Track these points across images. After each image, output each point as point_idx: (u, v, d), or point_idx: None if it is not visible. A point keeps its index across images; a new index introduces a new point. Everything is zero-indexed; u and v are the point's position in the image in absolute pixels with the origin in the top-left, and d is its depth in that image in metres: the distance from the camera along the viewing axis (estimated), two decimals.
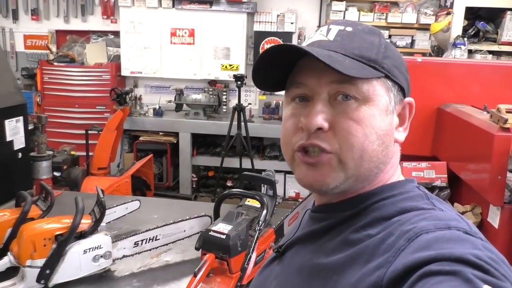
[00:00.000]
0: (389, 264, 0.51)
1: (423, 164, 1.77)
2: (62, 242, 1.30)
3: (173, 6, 4.84)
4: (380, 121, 0.61)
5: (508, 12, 4.06)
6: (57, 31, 5.31)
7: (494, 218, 1.41)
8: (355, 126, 0.59)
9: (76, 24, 5.27)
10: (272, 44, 0.64)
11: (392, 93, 0.63)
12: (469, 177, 1.61)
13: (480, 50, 4.23)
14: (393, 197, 0.62)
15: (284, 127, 0.67)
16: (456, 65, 2.09)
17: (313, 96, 0.62)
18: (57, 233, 1.31)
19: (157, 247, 1.54)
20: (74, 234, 1.31)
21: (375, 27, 0.68)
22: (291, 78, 0.66)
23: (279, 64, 0.64)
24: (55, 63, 4.93)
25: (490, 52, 4.23)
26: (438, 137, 1.94)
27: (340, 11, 4.58)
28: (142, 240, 1.48)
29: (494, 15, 4.23)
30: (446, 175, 1.76)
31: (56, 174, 3.49)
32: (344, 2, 4.57)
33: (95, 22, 5.25)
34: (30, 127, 2.88)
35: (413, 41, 4.62)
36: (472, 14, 4.23)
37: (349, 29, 0.64)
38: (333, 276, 0.58)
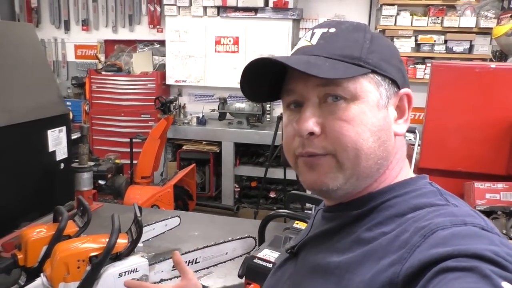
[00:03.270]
0: (404, 261, 0.51)
1: (500, 185, 1.54)
2: (97, 264, 1.20)
3: (218, 14, 4.81)
4: (371, 117, 0.61)
5: None
6: (106, 41, 5.43)
7: None
8: (346, 125, 0.60)
9: (123, 33, 5.37)
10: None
11: (382, 88, 0.63)
12: None
13: None
14: (406, 194, 0.62)
15: (284, 134, 0.68)
16: None
17: (304, 101, 0.63)
18: (91, 254, 1.22)
19: (197, 271, 1.42)
20: (109, 256, 1.22)
21: (361, 23, 0.67)
22: (283, 86, 0.66)
23: (268, 75, 0.65)
24: (103, 72, 5.03)
25: None
26: None
27: (391, 16, 4.35)
28: None
29: None
30: None
31: (101, 182, 3.50)
32: (396, 6, 4.34)
33: (142, 31, 5.33)
34: (75, 136, 2.89)
35: (471, 46, 4.31)
36: None
37: (332, 30, 0.64)
38: (346, 274, 0.58)
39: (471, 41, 4.28)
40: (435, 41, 4.32)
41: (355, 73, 0.60)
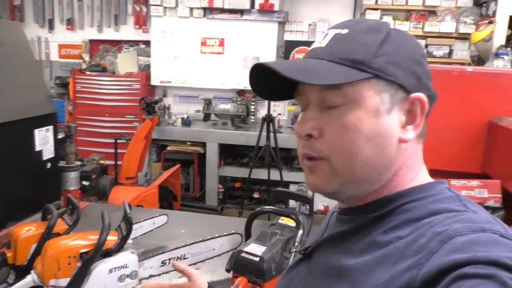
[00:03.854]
0: (421, 266, 0.50)
1: (474, 182, 1.62)
2: (87, 260, 1.22)
3: (204, 15, 4.83)
4: (368, 124, 0.60)
5: None
6: (91, 41, 5.39)
7: None
8: (342, 131, 0.60)
9: (109, 33, 5.34)
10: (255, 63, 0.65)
11: (386, 93, 0.60)
12: None
13: None
14: (424, 199, 0.61)
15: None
16: (509, 75, 1.93)
17: (308, 105, 0.64)
18: (82, 250, 1.24)
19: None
20: (99, 252, 1.24)
21: (381, 23, 0.65)
22: (297, 88, 0.67)
23: (276, 77, 0.63)
24: (87, 72, 4.99)
25: None
26: (490, 153, 1.79)
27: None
28: (169, 259, 1.39)
29: None
30: (500, 195, 1.60)
31: (85, 183, 3.48)
32: (379, 11, 4.44)
33: (128, 31, 5.31)
34: (61, 136, 2.88)
35: (451, 51, 4.43)
36: None
37: (344, 31, 0.63)
38: (361, 277, 0.57)
39: (450, 46, 4.41)
40: None
41: (353, 78, 0.59)
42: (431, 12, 4.43)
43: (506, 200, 1.64)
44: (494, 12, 3.91)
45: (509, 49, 3.83)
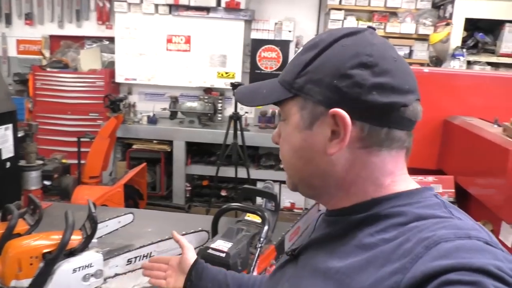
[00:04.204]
0: (406, 271, 0.51)
1: (430, 178, 1.71)
2: (50, 260, 1.21)
3: (170, 12, 4.78)
4: (293, 138, 0.67)
5: (507, 24, 4.05)
6: (51, 36, 5.21)
7: (507, 236, 1.34)
8: (281, 142, 0.71)
9: (70, 29, 5.18)
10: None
11: (305, 110, 0.65)
12: (480, 192, 1.54)
13: (479, 62, 4.20)
14: (411, 204, 0.61)
15: None
16: (463, 76, 2.04)
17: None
18: (45, 250, 1.22)
19: None
20: (63, 252, 1.23)
21: (328, 36, 0.65)
22: None
23: None
24: (48, 69, 4.83)
25: (488, 63, 4.21)
26: (444, 150, 1.88)
27: (338, 20, 4.55)
28: (136, 257, 1.39)
29: (493, 27, 4.21)
30: (453, 190, 1.70)
31: (47, 183, 3.39)
32: (343, 11, 4.54)
33: (90, 27, 5.17)
34: (20, 134, 2.78)
35: (411, 52, 4.59)
36: (472, 25, 4.21)
37: (298, 50, 0.77)
38: (346, 279, 0.58)
39: (410, 46, 4.57)
40: None
41: (278, 98, 0.68)
42: (393, 14, 4.57)
43: (459, 195, 1.74)
44: (451, 15, 4.08)
45: (464, 50, 4.03)
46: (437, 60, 4.27)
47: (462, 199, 1.75)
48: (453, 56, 3.97)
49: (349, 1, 4.52)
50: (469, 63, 4.13)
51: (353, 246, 0.61)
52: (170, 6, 4.75)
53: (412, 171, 1.90)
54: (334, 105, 0.61)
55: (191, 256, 1.06)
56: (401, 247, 0.54)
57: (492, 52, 4.23)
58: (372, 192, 0.64)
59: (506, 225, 1.38)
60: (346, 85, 0.61)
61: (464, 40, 4.16)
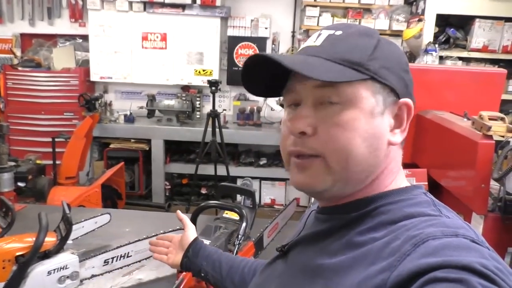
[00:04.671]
0: (393, 268, 0.51)
1: (404, 172, 1.74)
2: (24, 263, 1.18)
3: (144, 9, 4.72)
4: (364, 124, 0.61)
5: (477, 20, 4.16)
6: (22, 35, 5.07)
7: (477, 226, 1.39)
8: (338, 130, 0.60)
9: (42, 27, 5.05)
10: (252, 54, 0.68)
11: (380, 95, 0.62)
12: (451, 184, 1.59)
13: (451, 57, 4.30)
14: (400, 202, 0.62)
15: (281, 132, 0.69)
16: (434, 71, 2.09)
17: (301, 102, 0.64)
18: (18, 253, 1.20)
19: (129, 265, 1.44)
20: (37, 254, 1.20)
21: (371, 29, 0.68)
22: (286, 84, 0.67)
23: (268, 72, 0.65)
24: (20, 68, 4.70)
25: (460, 58, 4.32)
26: (417, 144, 1.92)
27: (314, 16, 4.58)
28: (112, 258, 1.38)
29: (464, 22, 4.32)
30: (426, 183, 1.73)
31: (21, 184, 3.31)
32: (318, 7, 4.58)
33: (63, 25, 5.05)
34: None
35: None
36: (443, 21, 4.30)
37: (338, 33, 0.64)
38: (335, 277, 0.58)
39: None
40: None
41: (351, 77, 0.60)
42: (367, 10, 4.63)
43: (431, 187, 1.78)
44: (423, 10, 4.16)
45: (436, 45, 4.12)
46: (410, 56, 4.35)
47: (435, 192, 1.80)
48: (426, 51, 4.05)
49: None
50: (441, 58, 4.22)
51: (343, 244, 0.61)
52: (144, 3, 4.69)
53: None
54: (402, 96, 0.65)
55: (191, 234, 1.13)
56: (389, 246, 0.54)
57: (463, 47, 4.33)
58: (387, 185, 0.65)
59: (476, 216, 1.43)
60: (407, 79, 0.66)
61: (436, 36, 4.25)
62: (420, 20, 4.11)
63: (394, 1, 4.62)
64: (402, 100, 0.65)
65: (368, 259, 0.55)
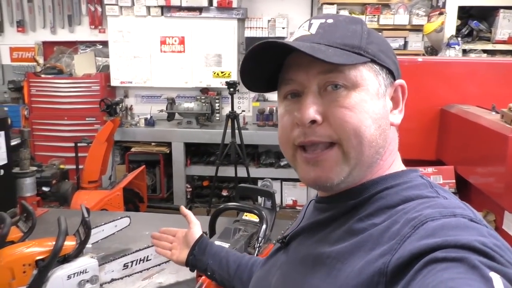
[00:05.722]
0: (394, 251, 0.51)
1: (429, 169, 1.68)
2: (44, 267, 1.18)
3: (162, 14, 4.75)
4: (372, 105, 0.62)
5: (501, 10, 4.02)
6: (44, 43, 5.19)
7: (510, 225, 1.32)
8: (349, 113, 0.60)
9: (63, 35, 5.16)
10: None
11: (381, 77, 0.64)
12: (480, 181, 1.52)
13: (475, 50, 4.17)
14: (397, 186, 0.62)
15: (281, 126, 0.67)
16: (458, 64, 2.01)
17: (304, 90, 0.63)
18: (38, 257, 1.20)
19: (149, 268, 1.43)
20: (56, 258, 1.20)
21: (357, 17, 0.71)
22: (281, 76, 0.66)
23: (266, 64, 0.65)
24: (43, 75, 4.81)
25: (484, 51, 4.18)
26: (443, 140, 1.86)
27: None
28: (132, 262, 1.37)
29: (487, 14, 4.18)
30: (454, 180, 1.67)
31: (45, 189, 3.36)
32: (335, 5, 4.51)
33: (83, 32, 5.14)
34: (16, 142, 2.75)
35: (406, 43, 4.56)
36: (464, 13, 4.18)
37: (330, 21, 0.65)
38: (337, 264, 0.58)
39: (405, 37, 4.54)
40: None
41: (356, 60, 0.61)
42: (385, 5, 4.54)
43: (459, 185, 1.71)
44: (444, 3, 4.05)
45: (459, 39, 4.00)
46: (432, 50, 4.24)
47: (463, 189, 1.72)
48: (448, 45, 3.94)
49: None
50: (464, 51, 4.10)
51: (344, 231, 0.61)
52: (162, 7, 4.72)
53: (411, 162, 1.87)
54: (398, 77, 0.67)
55: (197, 231, 1.11)
56: (389, 230, 0.55)
57: (488, 40, 4.20)
58: (389, 166, 0.66)
59: (509, 214, 1.36)
60: (397, 63, 0.68)
61: (459, 29, 4.13)
62: (441, 14, 4.00)
63: None
64: (398, 81, 0.67)
65: (369, 245, 0.56)
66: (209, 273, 1.04)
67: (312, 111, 0.60)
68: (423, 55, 4.34)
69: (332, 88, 0.61)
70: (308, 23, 0.66)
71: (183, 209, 1.20)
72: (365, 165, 0.63)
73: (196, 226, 1.12)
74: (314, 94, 0.62)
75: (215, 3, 4.62)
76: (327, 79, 0.61)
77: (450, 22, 4.02)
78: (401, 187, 0.62)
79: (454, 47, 3.93)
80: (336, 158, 0.61)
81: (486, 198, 1.46)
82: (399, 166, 0.67)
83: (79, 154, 3.94)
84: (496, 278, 0.42)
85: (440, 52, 4.07)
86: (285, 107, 0.66)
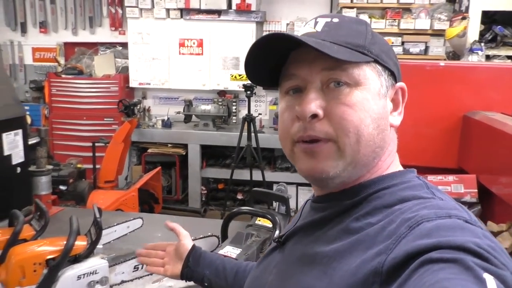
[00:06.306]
0: (389, 251, 0.51)
1: (450, 178, 1.62)
2: (54, 267, 1.18)
3: (181, 16, 4.78)
4: (373, 105, 0.62)
5: None
6: (65, 44, 5.28)
7: None
8: (349, 110, 0.60)
9: (84, 36, 5.24)
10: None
11: (383, 77, 0.64)
12: (504, 191, 1.45)
13: (498, 56, 4.06)
14: (394, 186, 0.63)
15: (281, 121, 0.67)
16: (482, 69, 1.94)
17: (306, 86, 0.63)
18: (48, 257, 1.20)
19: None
20: (67, 258, 1.20)
21: (361, 19, 0.72)
22: (283, 72, 0.67)
23: (270, 58, 0.65)
24: (63, 75, 4.88)
25: (508, 57, 4.06)
26: (465, 148, 1.79)
27: None
28: (142, 264, 1.35)
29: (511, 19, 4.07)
30: (476, 190, 1.60)
31: (62, 188, 3.40)
32: (355, 9, 4.46)
33: (103, 34, 5.22)
34: (36, 140, 2.79)
35: (427, 48, 4.47)
36: (488, 18, 4.07)
37: (335, 20, 0.66)
38: (333, 263, 0.58)
39: (426, 42, 4.45)
40: (392, 42, 4.46)
41: (360, 59, 0.62)
42: (406, 9, 4.46)
43: (482, 195, 1.64)
44: (467, 8, 3.96)
45: (482, 44, 3.89)
46: (454, 56, 4.15)
47: (486, 199, 1.66)
48: (471, 50, 3.84)
49: None
50: (488, 57, 3.99)
51: (340, 230, 0.62)
52: (181, 10, 4.75)
53: (431, 170, 1.82)
54: (398, 80, 0.68)
55: (188, 242, 1.07)
56: (385, 229, 0.55)
57: None
58: (387, 167, 0.66)
59: None
60: (398, 65, 0.69)
61: (482, 34, 4.02)
62: (464, 18, 3.90)
63: None
64: (399, 84, 0.68)
65: (365, 244, 0.56)
66: (206, 284, 1.00)
67: (313, 105, 0.61)
68: (444, 60, 4.24)
69: (334, 85, 0.62)
70: (314, 21, 0.67)
71: (168, 223, 1.14)
72: (361, 163, 0.63)
73: (187, 238, 1.09)
74: (317, 89, 0.62)
75: (234, 6, 4.62)
76: (330, 76, 0.62)
77: (473, 27, 3.91)
78: (398, 187, 0.62)
79: (477, 52, 3.83)
80: (330, 151, 0.62)
81: (510, 209, 1.40)
82: (397, 168, 0.68)
83: (97, 154, 3.98)
84: (489, 279, 0.42)
85: (462, 58, 3.97)
86: (286, 102, 0.66)
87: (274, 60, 0.66)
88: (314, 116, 0.61)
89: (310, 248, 0.64)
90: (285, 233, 0.74)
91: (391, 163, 0.67)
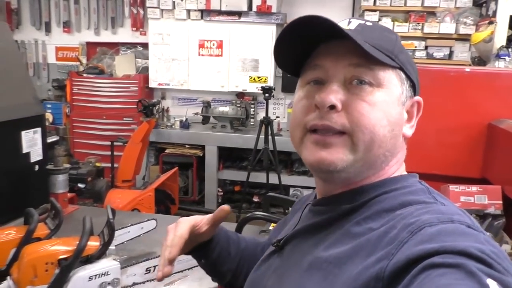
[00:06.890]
0: (391, 256, 0.51)
1: (474, 188, 1.55)
2: (66, 267, 1.17)
3: (202, 17, 4.79)
4: (392, 108, 0.62)
5: None
6: (88, 43, 5.37)
7: None
8: (368, 108, 0.61)
9: (106, 36, 5.31)
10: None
11: (404, 86, 0.65)
12: None
13: None
14: (395, 190, 0.62)
15: (295, 109, 0.67)
16: (509, 76, 1.87)
17: (328, 79, 0.63)
18: (60, 256, 1.19)
19: (172, 274, 1.39)
20: (79, 259, 1.19)
21: (384, 25, 0.72)
22: (308, 62, 0.67)
23: (298, 44, 0.65)
24: (85, 75, 4.96)
25: None
26: (489, 157, 1.72)
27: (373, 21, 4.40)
28: (154, 266, 1.33)
29: None
30: (501, 201, 1.54)
31: (81, 185, 3.44)
32: (378, 12, 4.39)
33: (125, 34, 5.28)
34: (55, 138, 2.82)
35: (451, 53, 4.37)
36: None
37: (369, 23, 0.66)
38: (334, 269, 0.57)
39: (450, 47, 4.35)
40: (416, 47, 4.38)
41: (388, 62, 0.62)
42: (430, 13, 4.37)
43: (507, 207, 1.57)
44: (494, 12, 3.85)
45: (510, 50, 3.77)
46: (479, 61, 4.03)
47: (511, 211, 1.59)
48: (498, 56, 3.72)
49: (384, 2, 4.36)
50: None
51: (340, 235, 0.61)
52: (202, 11, 4.76)
53: (454, 180, 1.74)
54: (417, 93, 0.68)
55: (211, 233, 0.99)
56: (387, 235, 0.54)
57: None
58: (392, 173, 0.66)
59: None
60: (418, 79, 0.69)
61: (510, 39, 3.90)
62: (490, 23, 3.79)
63: (461, 3, 4.32)
64: (417, 98, 0.68)
65: (366, 250, 0.55)
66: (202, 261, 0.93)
67: (334, 97, 0.61)
68: (469, 65, 4.13)
69: (357, 83, 0.62)
70: (347, 21, 0.67)
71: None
72: (369, 163, 0.63)
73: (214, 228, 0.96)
74: (339, 83, 0.62)
75: (254, 8, 4.61)
76: (355, 73, 0.62)
77: (501, 32, 3.80)
78: (399, 191, 0.62)
79: (504, 58, 3.70)
80: (344, 144, 0.61)
81: None
82: (401, 173, 0.68)
83: (115, 153, 4.02)
84: (493, 284, 0.42)
85: (489, 64, 3.86)
86: (306, 92, 0.66)
87: (301, 47, 0.66)
88: (333, 107, 0.61)
89: (310, 252, 0.63)
90: (283, 237, 0.73)
91: (396, 171, 0.67)
